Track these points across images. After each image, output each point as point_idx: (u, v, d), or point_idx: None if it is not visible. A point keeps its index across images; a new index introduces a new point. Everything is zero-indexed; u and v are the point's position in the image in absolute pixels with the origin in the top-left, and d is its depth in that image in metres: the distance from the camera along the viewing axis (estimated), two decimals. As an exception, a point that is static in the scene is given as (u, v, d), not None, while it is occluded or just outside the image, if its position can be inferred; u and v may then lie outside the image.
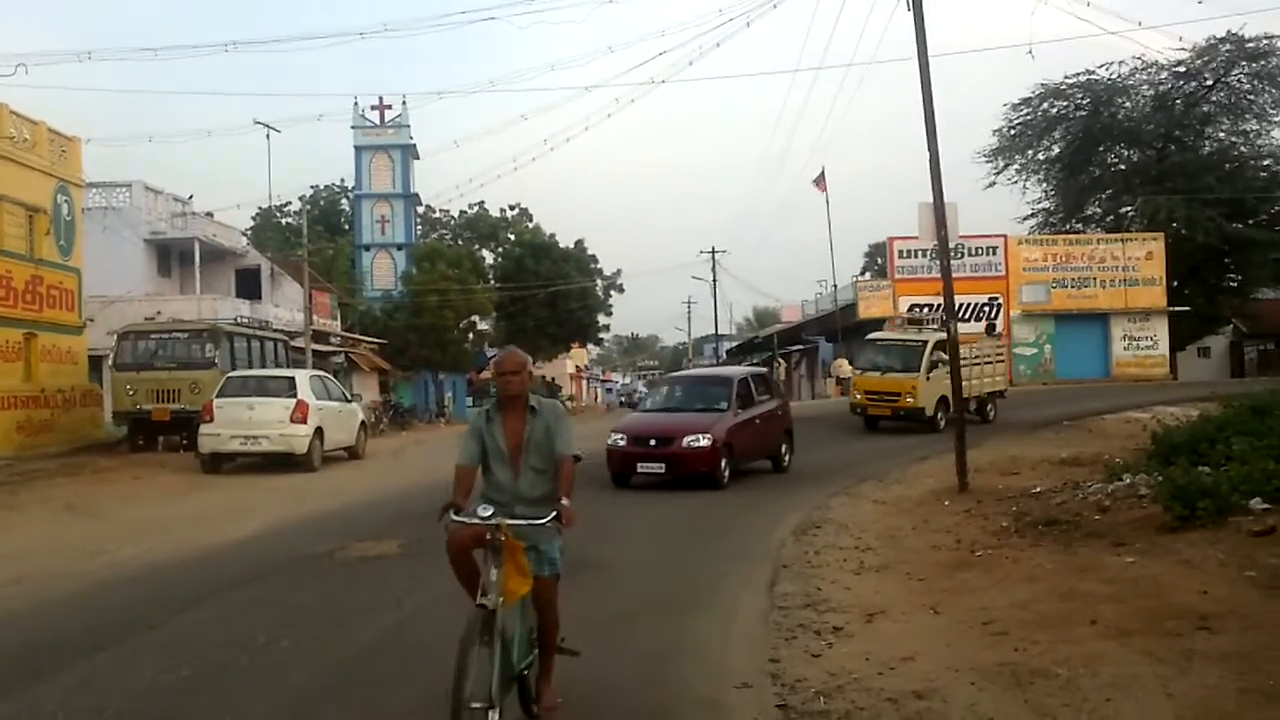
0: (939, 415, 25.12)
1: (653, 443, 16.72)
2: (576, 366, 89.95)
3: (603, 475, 17.10)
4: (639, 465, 16.78)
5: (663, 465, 16.50)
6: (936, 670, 6.81)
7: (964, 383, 20.63)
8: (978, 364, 26.43)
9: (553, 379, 70.87)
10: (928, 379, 25.11)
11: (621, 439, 17.17)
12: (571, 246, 66.19)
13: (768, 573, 10.31)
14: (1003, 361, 29.89)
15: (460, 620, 5.21)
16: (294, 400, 20.56)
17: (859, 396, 26.58)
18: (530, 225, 68.79)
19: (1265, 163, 49.16)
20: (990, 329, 33.15)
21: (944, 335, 21.37)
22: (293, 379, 21.60)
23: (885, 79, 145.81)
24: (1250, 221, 46.74)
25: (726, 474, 16.54)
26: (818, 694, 6.49)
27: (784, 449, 18.97)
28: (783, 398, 20.26)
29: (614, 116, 67.12)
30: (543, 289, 59.89)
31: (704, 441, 16.33)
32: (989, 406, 27.66)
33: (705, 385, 18.94)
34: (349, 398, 24.70)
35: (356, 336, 47.98)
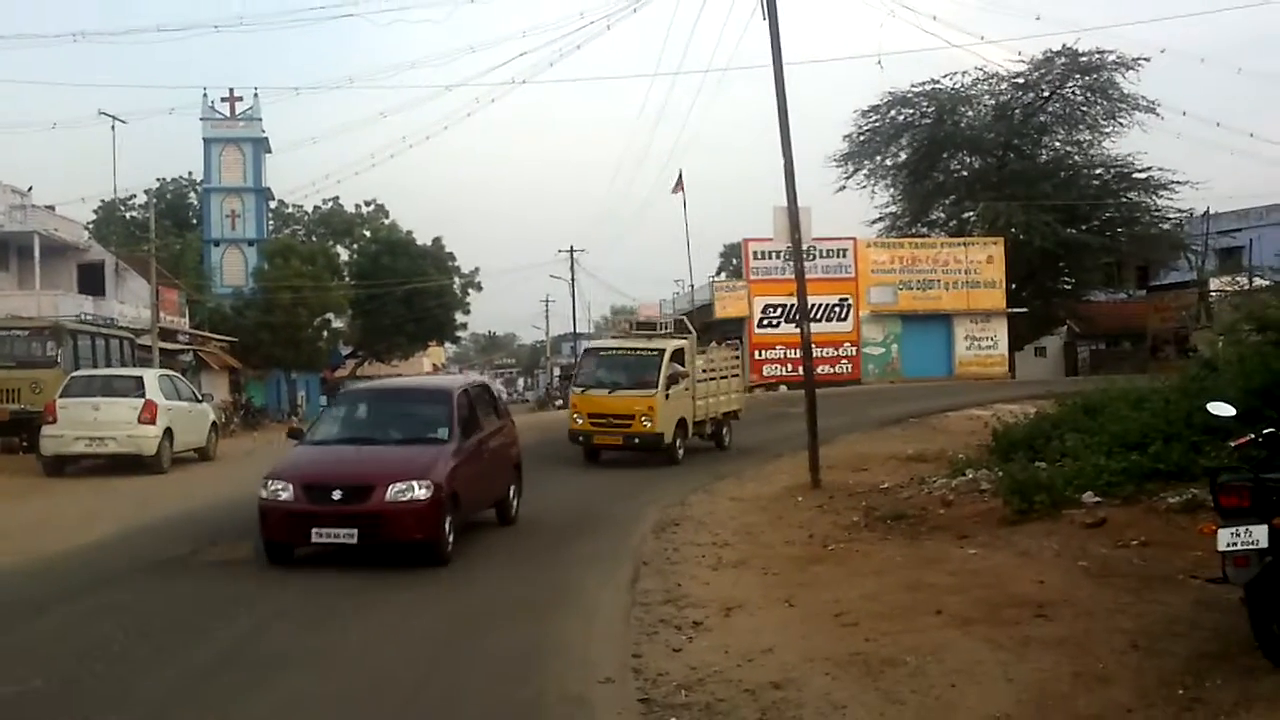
0: (678, 442, 20.28)
1: (337, 495, 10.55)
2: (434, 365, 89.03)
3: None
4: (314, 531, 10.49)
5: (354, 530, 10.39)
6: (793, 661, 7.08)
7: (698, 401, 21.10)
8: (713, 379, 22.56)
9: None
10: (666, 397, 19.97)
11: (284, 489, 10.71)
12: (429, 244, 65.43)
13: (629, 570, 10.50)
14: (738, 376, 25.11)
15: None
16: (142, 400, 19.92)
17: (580, 421, 20.47)
18: (387, 222, 67.80)
19: (1097, 171, 51.52)
20: (728, 339, 27.84)
21: (682, 342, 21.30)
22: (140, 378, 20.93)
23: (743, 82, 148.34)
24: (1083, 227, 48.89)
25: (451, 539, 10.90)
26: (679, 687, 6.69)
27: (512, 491, 13.44)
28: (507, 417, 14.40)
29: (474, 115, 67.01)
30: (399, 286, 59.13)
31: (420, 492, 10.50)
32: (725, 430, 23.08)
33: (413, 403, 13.12)
34: (199, 397, 24.03)
35: (206, 334, 46.62)
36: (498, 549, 11.84)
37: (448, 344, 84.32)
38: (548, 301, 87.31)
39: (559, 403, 62.89)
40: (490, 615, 8.85)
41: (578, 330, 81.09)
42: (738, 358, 26.45)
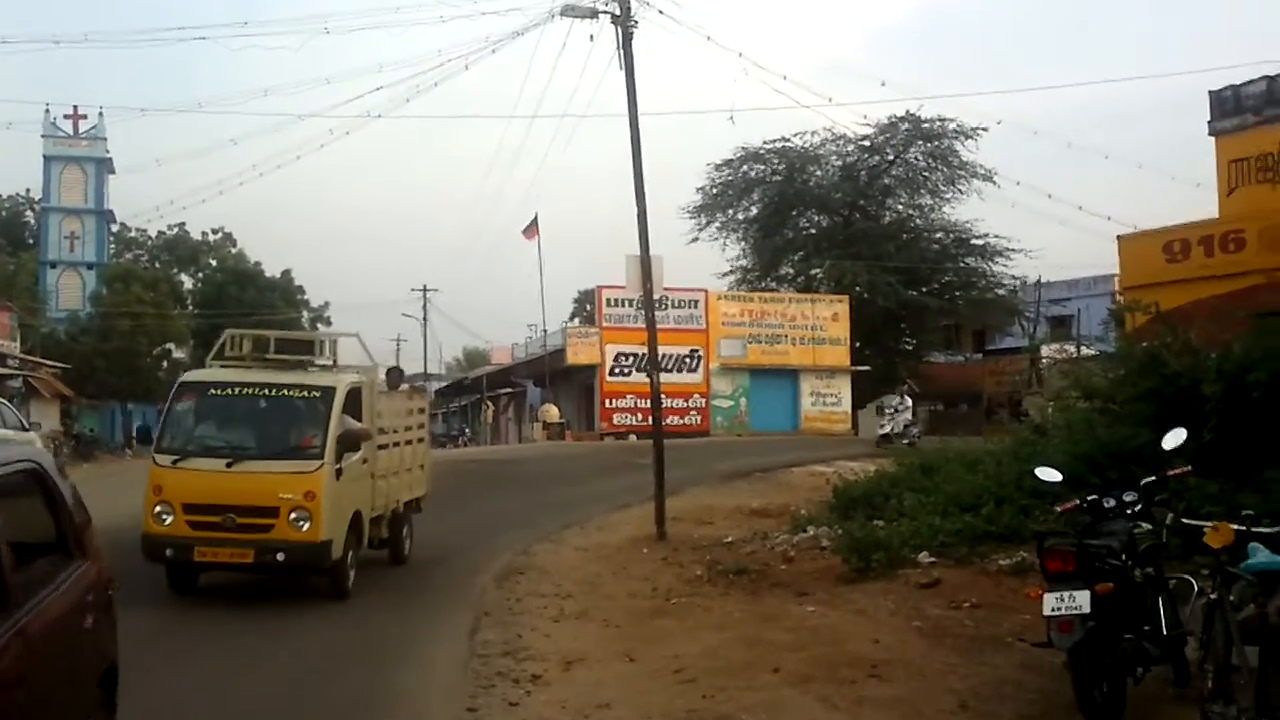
0: (349, 557, 11.65)
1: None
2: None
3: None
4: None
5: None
6: (630, 718, 7.05)
7: (379, 481, 12.69)
8: (396, 443, 13.83)
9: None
10: (338, 475, 11.42)
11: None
12: (278, 275, 64.03)
13: (468, 620, 10.34)
14: (424, 441, 15.78)
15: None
16: (-41, 430, 18.73)
17: (166, 519, 11.03)
18: (235, 251, 66.12)
19: (938, 235, 53.27)
20: (395, 373, 16.63)
21: (358, 379, 12.79)
22: (-41, 406, 19.71)
23: (600, 129, 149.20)
24: (924, 289, 50.42)
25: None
26: (515, 744, 6.59)
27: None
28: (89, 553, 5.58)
29: (328, 147, 65.30)
30: (245, 318, 57.56)
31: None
32: (405, 530, 14.11)
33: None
34: (26, 426, 22.89)
35: (37, 360, 44.46)
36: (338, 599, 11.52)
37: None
38: (399, 340, 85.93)
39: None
40: (328, 666, 8.60)
41: (428, 370, 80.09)
42: (423, 409, 16.83)
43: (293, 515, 10.83)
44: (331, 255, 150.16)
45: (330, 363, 13.29)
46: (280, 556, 10.83)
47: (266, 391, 12.09)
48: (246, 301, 58.25)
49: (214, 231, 66.95)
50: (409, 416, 14.92)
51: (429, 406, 21.89)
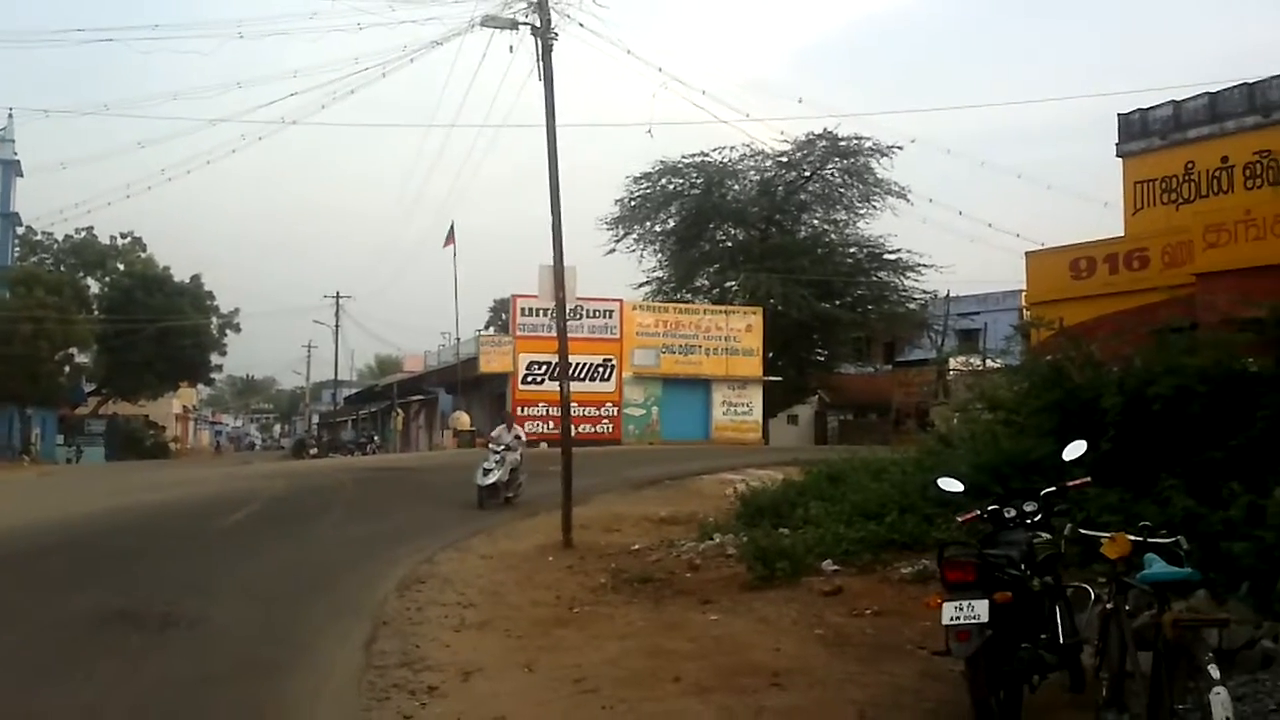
0: None
1: None
2: (184, 407, 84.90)
3: (189, 524, 16.12)
4: None
5: None
6: (526, 729, 6.89)
7: None
8: None
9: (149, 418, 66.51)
10: None
11: None
12: (187, 281, 62.71)
13: (367, 630, 10.08)
14: None
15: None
16: None
17: None
18: (143, 256, 64.61)
19: (851, 250, 53.94)
20: None
21: None
22: None
23: (519, 138, 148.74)
24: (837, 302, 50.99)
25: None
26: (406, 757, 6.39)
27: None
28: None
29: (240, 153, 63.79)
30: (152, 324, 56.24)
31: None
32: None
33: None
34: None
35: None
36: (233, 602, 11.20)
37: (201, 386, 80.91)
38: (310, 347, 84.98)
39: (314, 450, 61.00)
40: (217, 674, 8.30)
41: (339, 377, 79.12)
42: None
43: None
44: (243, 261, 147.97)
45: None
46: None
47: None
48: (154, 307, 57.03)
49: (123, 236, 65.43)
50: None
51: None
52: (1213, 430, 9.67)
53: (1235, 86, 25.15)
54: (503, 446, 20.76)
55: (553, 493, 17.65)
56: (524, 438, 22.32)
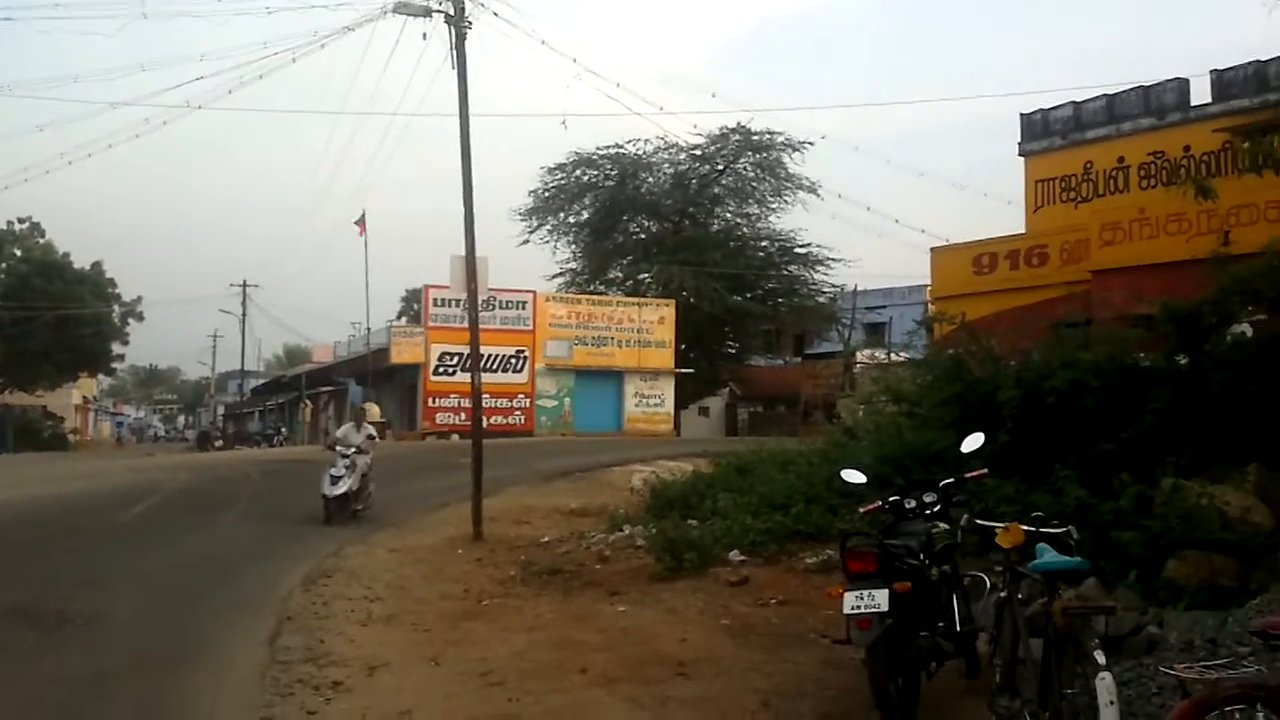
0: None
1: None
2: (85, 397, 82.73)
3: (87, 518, 15.77)
4: None
5: None
6: (432, 723, 6.88)
7: None
8: None
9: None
10: None
11: None
12: (88, 268, 61.03)
13: (271, 625, 9.97)
14: None
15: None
16: None
17: None
18: (41, 242, 62.70)
19: (763, 244, 54.46)
20: None
21: None
22: None
23: (432, 128, 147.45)
24: (748, 295, 51.42)
25: None
26: (310, 752, 6.35)
27: None
28: None
29: (144, 137, 62.17)
30: (50, 311, 54.69)
31: None
32: None
33: None
34: None
35: None
36: (132, 598, 10.99)
37: (102, 376, 78.91)
38: (216, 337, 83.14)
39: (219, 442, 59.87)
40: (115, 671, 8.14)
41: (246, 368, 77.70)
42: None
43: None
44: (147, 249, 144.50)
45: None
46: None
47: None
48: (53, 294, 55.49)
49: (20, 220, 63.32)
50: None
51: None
52: (1105, 423, 10.01)
53: (1132, 89, 25.91)
54: (352, 449, 17.62)
55: (463, 485, 17.52)
56: (376, 437, 19.29)
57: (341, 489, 17.14)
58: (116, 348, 65.63)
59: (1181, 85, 25.17)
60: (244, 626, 9.87)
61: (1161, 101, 25.29)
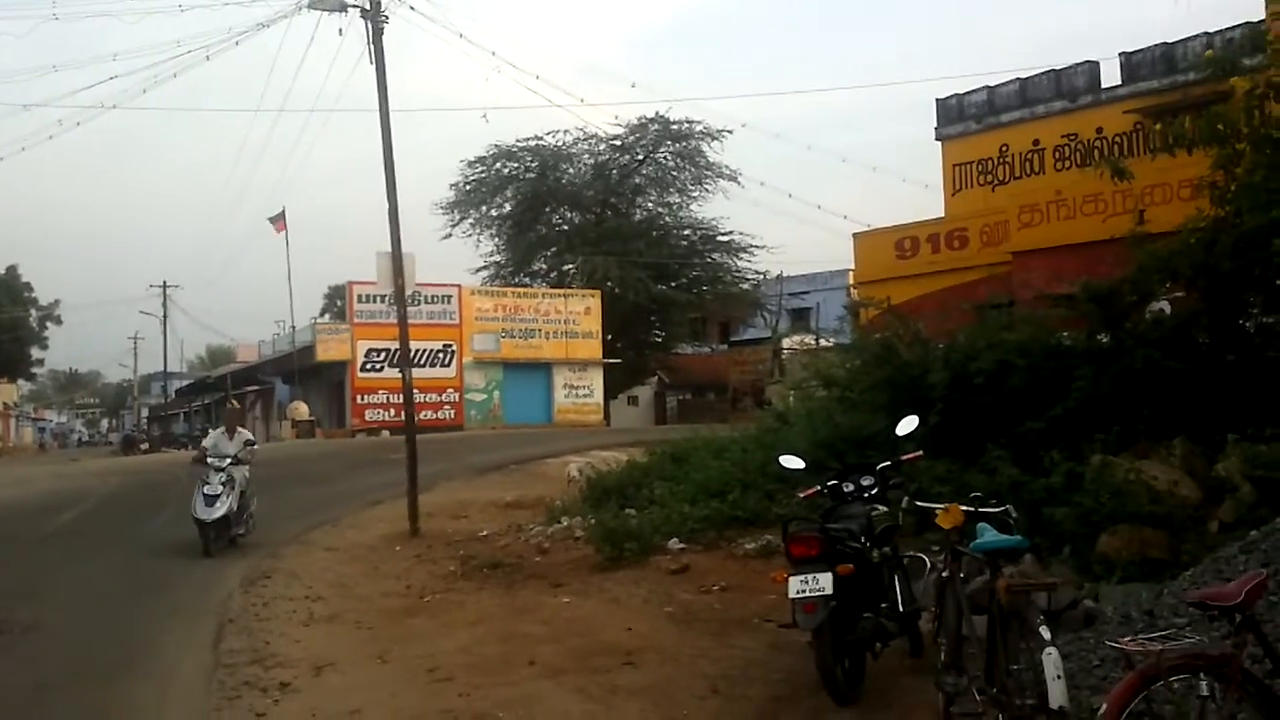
0: None
1: None
2: (4, 403, 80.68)
3: (16, 525, 15.41)
4: None
5: None
6: (382, 722, 6.88)
7: None
8: None
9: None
10: None
11: None
12: (2, 272, 59.58)
13: (212, 628, 9.88)
14: None
15: None
16: None
17: None
18: (-47, 247, 61.16)
19: (685, 233, 54.68)
20: None
21: None
22: None
23: (351, 124, 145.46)
24: (673, 284, 51.65)
25: None
26: (261, 756, 6.32)
27: None
28: None
29: (57, 139, 60.56)
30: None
31: None
32: None
33: None
34: None
35: None
36: (69, 606, 10.81)
37: (21, 381, 77.06)
38: (136, 339, 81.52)
39: (144, 445, 58.73)
40: (55, 682, 8.02)
41: (169, 370, 76.34)
42: None
43: None
44: (63, 251, 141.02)
45: None
46: None
47: None
48: (-33, 300, 54.13)
49: (-67, 226, 61.81)
50: None
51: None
52: (1033, 402, 10.23)
53: (1044, 73, 26.42)
54: (227, 460, 14.62)
55: (396, 481, 17.42)
56: (255, 443, 16.19)
57: (220, 510, 14.08)
58: (35, 352, 64.47)
59: (1092, 68, 25.72)
60: (185, 631, 9.77)
61: (1073, 84, 25.82)
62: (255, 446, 15.95)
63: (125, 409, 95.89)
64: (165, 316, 68.37)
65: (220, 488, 14.24)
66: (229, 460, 14.57)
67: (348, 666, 8.37)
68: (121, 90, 54.63)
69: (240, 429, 15.79)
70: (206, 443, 15.55)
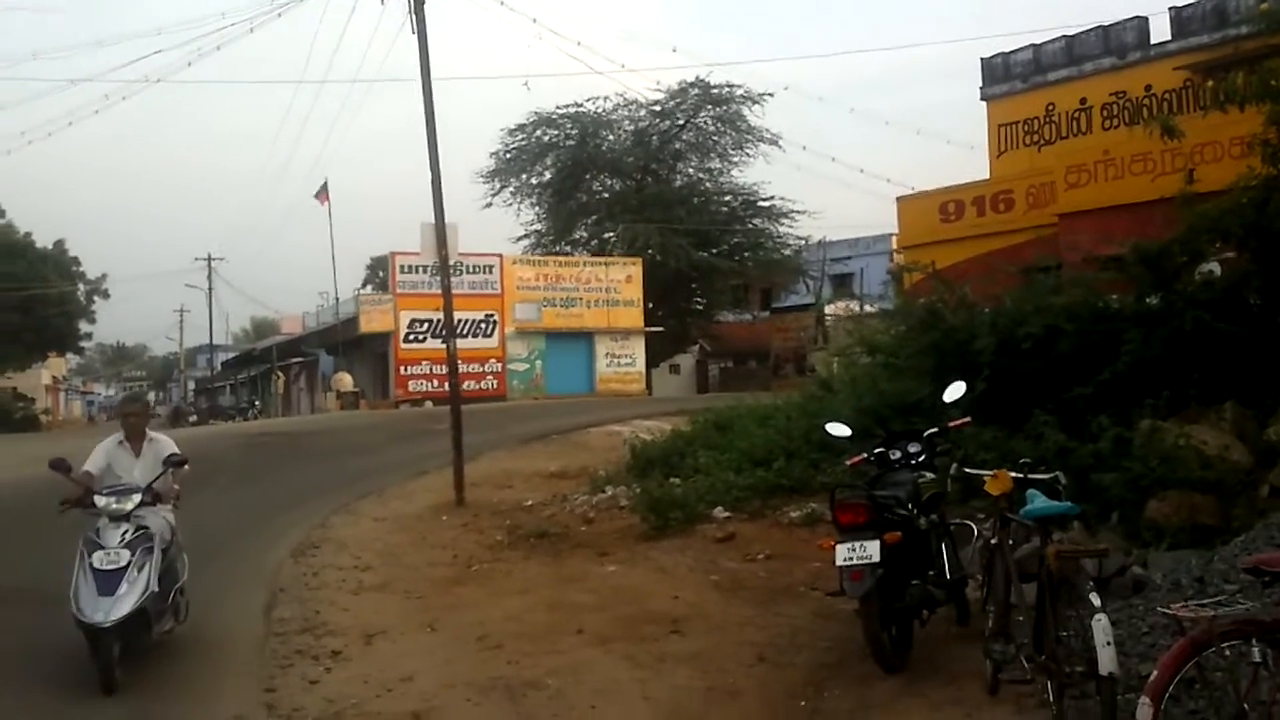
0: None
1: None
2: (54, 377, 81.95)
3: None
4: None
5: None
6: (433, 689, 6.97)
7: None
8: None
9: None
10: None
11: None
12: (51, 247, 60.28)
13: (264, 597, 10.02)
14: None
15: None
16: None
17: None
18: (2, 222, 61.86)
19: (726, 198, 54.35)
20: None
21: None
22: None
23: (391, 94, 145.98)
24: (714, 251, 51.39)
25: None
26: (315, 722, 6.42)
27: None
28: None
29: (103, 113, 60.96)
30: (15, 292, 54.01)
31: None
32: None
33: None
34: None
35: None
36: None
37: (70, 355, 78.19)
38: (182, 312, 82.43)
39: (193, 418, 59.53)
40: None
41: (214, 342, 77.21)
42: None
43: None
44: (110, 225, 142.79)
45: None
46: None
47: None
48: (16, 275, 54.69)
49: (-21, 202, 62.36)
50: None
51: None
52: (1081, 366, 10.12)
53: (1091, 29, 26.00)
54: (135, 496, 7.84)
55: (440, 451, 17.54)
56: (185, 461, 8.51)
57: (129, 602, 7.26)
58: (84, 326, 65.01)
59: (1141, 24, 25.30)
60: (237, 600, 9.90)
61: (1121, 41, 25.41)
62: (186, 466, 8.56)
63: (172, 382, 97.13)
64: (210, 289, 69.19)
65: (124, 554, 7.46)
66: (137, 496, 7.85)
67: (398, 635, 8.46)
68: (167, 64, 55.21)
69: (156, 435, 8.81)
70: (92, 465, 8.29)
